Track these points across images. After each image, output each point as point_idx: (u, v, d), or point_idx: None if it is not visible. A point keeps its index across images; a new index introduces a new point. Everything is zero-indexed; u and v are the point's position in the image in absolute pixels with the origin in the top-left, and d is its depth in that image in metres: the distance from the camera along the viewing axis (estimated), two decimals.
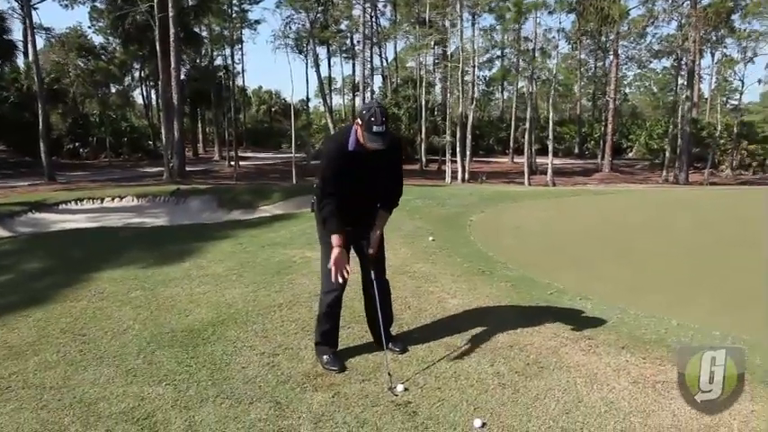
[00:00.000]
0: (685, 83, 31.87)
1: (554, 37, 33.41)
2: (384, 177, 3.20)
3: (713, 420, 2.59)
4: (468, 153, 30.50)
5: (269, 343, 3.60)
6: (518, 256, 6.06)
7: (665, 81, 50.35)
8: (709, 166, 31.73)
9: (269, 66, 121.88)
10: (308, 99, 44.56)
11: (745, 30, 30.70)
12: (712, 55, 36.81)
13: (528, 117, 31.94)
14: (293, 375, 3.14)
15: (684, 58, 32.24)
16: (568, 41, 38.86)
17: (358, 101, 42.01)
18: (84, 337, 3.79)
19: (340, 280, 3.09)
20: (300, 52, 39.34)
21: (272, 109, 63.39)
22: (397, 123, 34.85)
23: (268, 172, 33.83)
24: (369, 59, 35.48)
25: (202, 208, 14.55)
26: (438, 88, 43.95)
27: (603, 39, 39.09)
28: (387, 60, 44.05)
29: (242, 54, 45.10)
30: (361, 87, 36.57)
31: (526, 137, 30.82)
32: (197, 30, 36.86)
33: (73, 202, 15.11)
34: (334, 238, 3.06)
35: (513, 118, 39.09)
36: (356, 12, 37.02)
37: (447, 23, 36.00)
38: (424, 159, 35.97)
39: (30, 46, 25.08)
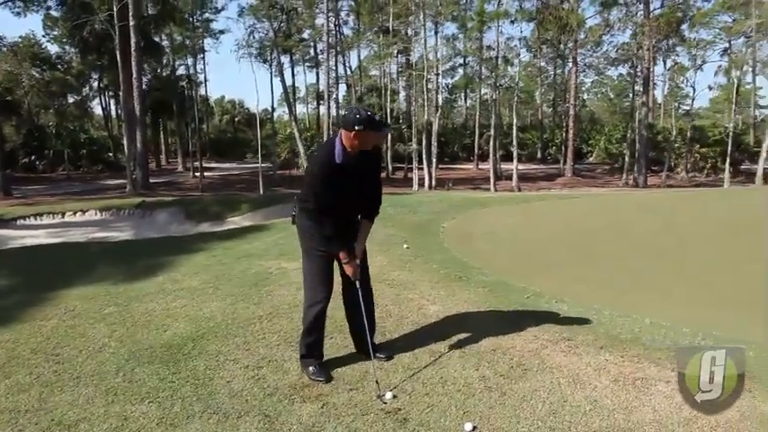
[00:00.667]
0: (641, 89, 33.03)
1: (515, 45, 34.08)
2: (367, 188, 3.25)
3: (692, 413, 2.69)
4: (434, 160, 30.76)
5: (252, 356, 3.56)
6: (492, 261, 6.17)
7: (621, 87, 52.00)
8: (665, 170, 32.88)
9: (233, 75, 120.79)
10: (273, 108, 44.16)
11: (693, 39, 32.09)
12: (665, 62, 38.27)
13: (492, 124, 32.45)
14: (280, 387, 3.12)
15: (639, 66, 33.42)
16: (529, 50, 39.80)
17: (323, 109, 41.90)
18: (57, 357, 3.66)
19: (357, 285, 3.21)
20: (265, 61, 39.06)
21: (236, 119, 62.67)
22: None
23: (234, 182, 33.38)
24: (333, 68, 35.35)
25: (170, 220, 14.28)
26: (402, 96, 44.31)
27: (562, 47, 40.21)
28: (351, 69, 44.14)
29: (204, 64, 44.39)
30: (325, 96, 36.42)
31: (491, 143, 31.29)
32: (157, 39, 36.22)
33: (32, 218, 14.63)
34: (342, 255, 3.19)
35: (476, 125, 39.62)
36: (319, 21, 37.02)
37: (410, 32, 36.42)
38: (390, 167, 36.15)
39: None
